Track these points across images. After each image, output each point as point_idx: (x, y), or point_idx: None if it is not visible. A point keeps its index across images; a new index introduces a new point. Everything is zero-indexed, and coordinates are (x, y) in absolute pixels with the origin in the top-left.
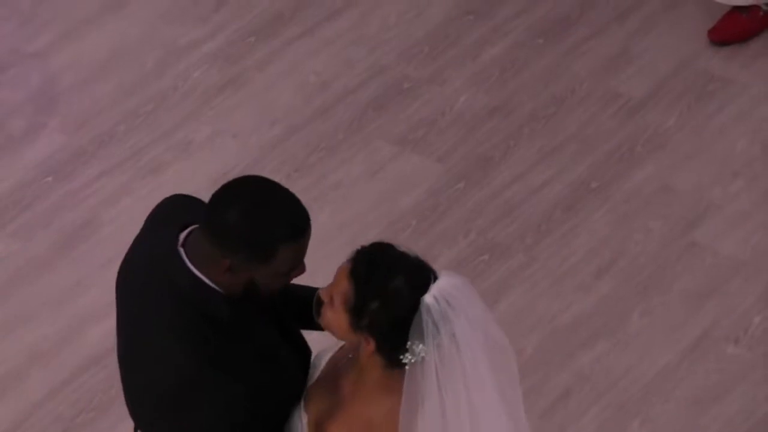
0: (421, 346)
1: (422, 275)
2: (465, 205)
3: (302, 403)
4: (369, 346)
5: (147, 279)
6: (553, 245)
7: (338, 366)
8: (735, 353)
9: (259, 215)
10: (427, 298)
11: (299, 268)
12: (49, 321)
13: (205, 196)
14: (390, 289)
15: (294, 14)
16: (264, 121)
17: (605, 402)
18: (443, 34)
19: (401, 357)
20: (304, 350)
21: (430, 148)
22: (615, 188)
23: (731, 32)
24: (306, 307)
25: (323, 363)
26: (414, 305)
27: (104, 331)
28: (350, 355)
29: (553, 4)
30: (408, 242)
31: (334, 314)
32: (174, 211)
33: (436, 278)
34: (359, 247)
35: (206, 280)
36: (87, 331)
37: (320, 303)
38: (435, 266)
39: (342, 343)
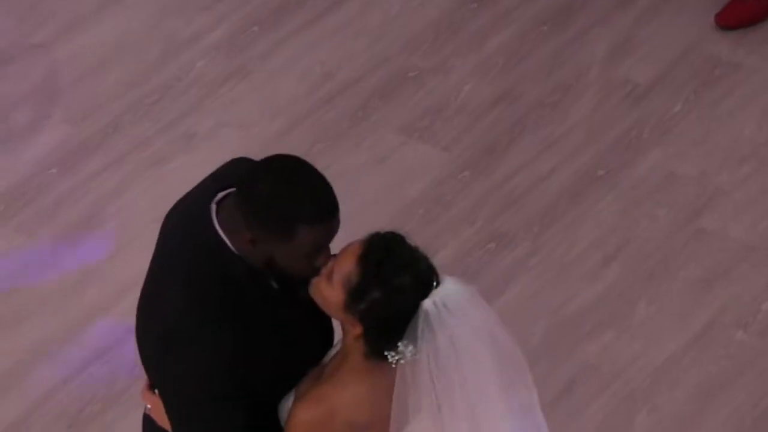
0: (410, 347)
1: (428, 278)
2: (471, 194)
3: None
4: (355, 330)
5: (181, 228)
6: (560, 234)
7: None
8: (743, 340)
9: (286, 192)
10: (427, 303)
11: (323, 255)
12: (53, 315)
13: None
14: (396, 284)
15: (297, 4)
16: (268, 112)
17: (612, 391)
18: (447, 23)
19: (386, 353)
20: (328, 336)
21: (436, 137)
22: (621, 176)
23: (738, 16)
24: None
25: (333, 351)
26: (413, 306)
27: (109, 324)
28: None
29: None
30: (414, 231)
31: (330, 290)
32: (229, 171)
33: (438, 283)
34: (374, 232)
35: (230, 245)
36: (91, 325)
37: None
38: (441, 255)
39: None
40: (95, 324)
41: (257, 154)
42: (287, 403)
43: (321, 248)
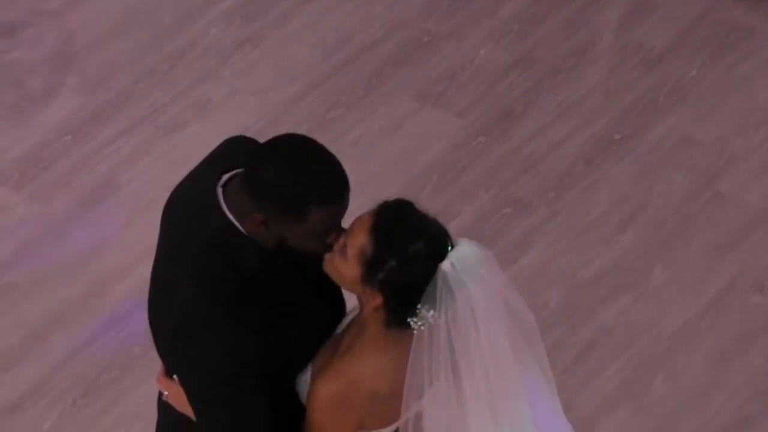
0: (431, 312)
1: (442, 241)
2: (486, 160)
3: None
4: (375, 301)
5: (186, 213)
6: (575, 199)
7: (348, 323)
8: (759, 304)
9: (295, 174)
10: (444, 266)
11: (336, 232)
12: (69, 282)
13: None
14: (410, 251)
15: None
16: (282, 78)
17: (628, 356)
18: None
19: (408, 320)
20: (340, 307)
21: (450, 103)
22: (637, 141)
23: None
24: None
25: (347, 321)
26: (431, 271)
27: (125, 291)
28: (356, 312)
29: None
30: (429, 198)
31: (345, 265)
32: (228, 152)
33: (453, 246)
34: (382, 202)
35: (239, 227)
36: (107, 292)
37: (327, 249)
38: (457, 221)
39: None
40: (110, 291)
41: (272, 120)
42: (305, 376)
43: (333, 227)
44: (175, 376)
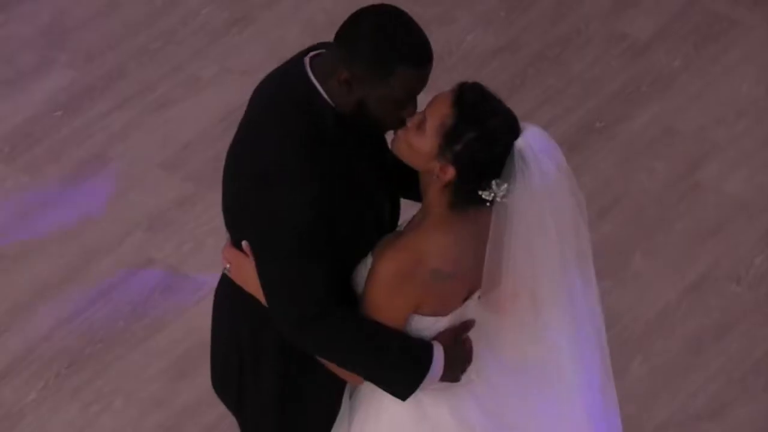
0: (504, 185)
1: (516, 123)
2: None
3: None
4: (446, 175)
5: (273, 84)
6: None
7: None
8: (736, 292)
9: (390, 31)
10: (520, 142)
11: (412, 105)
12: (56, 254)
13: (212, 135)
14: (491, 124)
15: None
16: (272, 59)
17: (606, 339)
18: None
19: (480, 192)
20: (396, 207)
21: (437, 86)
22: (619, 129)
23: None
24: (410, 176)
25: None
26: (505, 147)
27: (111, 264)
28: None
29: None
30: None
31: (421, 138)
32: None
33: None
34: (461, 82)
35: (321, 91)
36: (94, 265)
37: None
38: None
39: None
40: (97, 265)
41: None
42: (364, 267)
43: (412, 96)
44: (243, 243)
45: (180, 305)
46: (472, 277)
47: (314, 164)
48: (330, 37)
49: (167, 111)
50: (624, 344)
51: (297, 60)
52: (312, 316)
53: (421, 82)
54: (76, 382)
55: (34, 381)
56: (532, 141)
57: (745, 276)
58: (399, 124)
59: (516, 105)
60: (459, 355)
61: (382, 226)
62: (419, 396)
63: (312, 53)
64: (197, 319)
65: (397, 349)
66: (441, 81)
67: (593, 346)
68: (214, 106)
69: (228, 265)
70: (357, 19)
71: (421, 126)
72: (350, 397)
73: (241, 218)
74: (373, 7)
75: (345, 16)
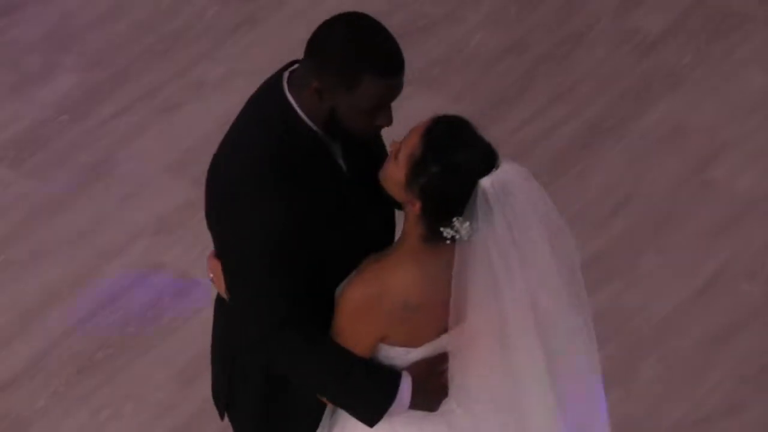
0: (466, 224)
1: (489, 160)
2: None
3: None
4: (414, 208)
5: (252, 100)
6: (568, 184)
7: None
8: (749, 291)
9: (358, 41)
10: (485, 182)
11: (384, 115)
12: (65, 260)
13: (219, 137)
14: (456, 160)
15: None
16: (279, 60)
17: (618, 340)
18: None
19: (442, 229)
20: (390, 226)
21: (445, 86)
22: (631, 126)
23: None
24: None
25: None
26: (471, 184)
27: (120, 268)
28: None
29: None
30: None
31: (396, 167)
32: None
33: (497, 167)
34: (441, 114)
35: (295, 106)
36: (103, 269)
37: (375, 130)
38: None
39: None
40: (106, 270)
41: None
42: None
43: (382, 105)
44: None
45: (190, 309)
46: (446, 310)
47: (279, 183)
48: None
49: (174, 114)
50: (636, 345)
51: (278, 74)
52: (272, 334)
53: (391, 91)
54: (86, 387)
55: (44, 387)
56: (504, 180)
57: (758, 273)
58: (374, 130)
59: (526, 104)
60: (433, 388)
61: (375, 240)
62: (393, 419)
63: (295, 66)
64: (207, 323)
65: (362, 375)
66: (451, 83)
67: (576, 381)
68: (220, 109)
69: (212, 275)
70: (327, 28)
71: (396, 155)
72: (331, 416)
73: (213, 229)
74: (345, 15)
75: None
